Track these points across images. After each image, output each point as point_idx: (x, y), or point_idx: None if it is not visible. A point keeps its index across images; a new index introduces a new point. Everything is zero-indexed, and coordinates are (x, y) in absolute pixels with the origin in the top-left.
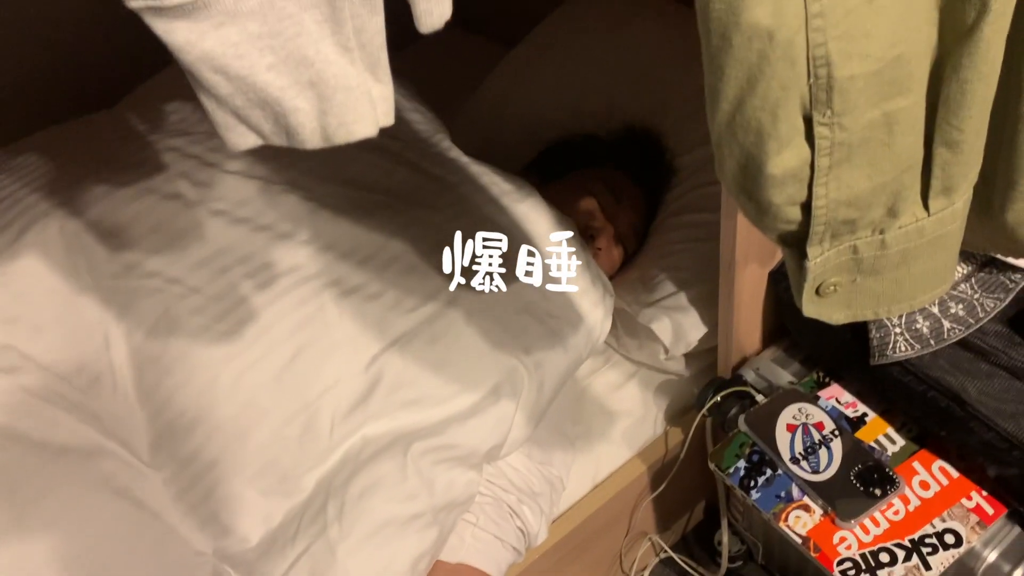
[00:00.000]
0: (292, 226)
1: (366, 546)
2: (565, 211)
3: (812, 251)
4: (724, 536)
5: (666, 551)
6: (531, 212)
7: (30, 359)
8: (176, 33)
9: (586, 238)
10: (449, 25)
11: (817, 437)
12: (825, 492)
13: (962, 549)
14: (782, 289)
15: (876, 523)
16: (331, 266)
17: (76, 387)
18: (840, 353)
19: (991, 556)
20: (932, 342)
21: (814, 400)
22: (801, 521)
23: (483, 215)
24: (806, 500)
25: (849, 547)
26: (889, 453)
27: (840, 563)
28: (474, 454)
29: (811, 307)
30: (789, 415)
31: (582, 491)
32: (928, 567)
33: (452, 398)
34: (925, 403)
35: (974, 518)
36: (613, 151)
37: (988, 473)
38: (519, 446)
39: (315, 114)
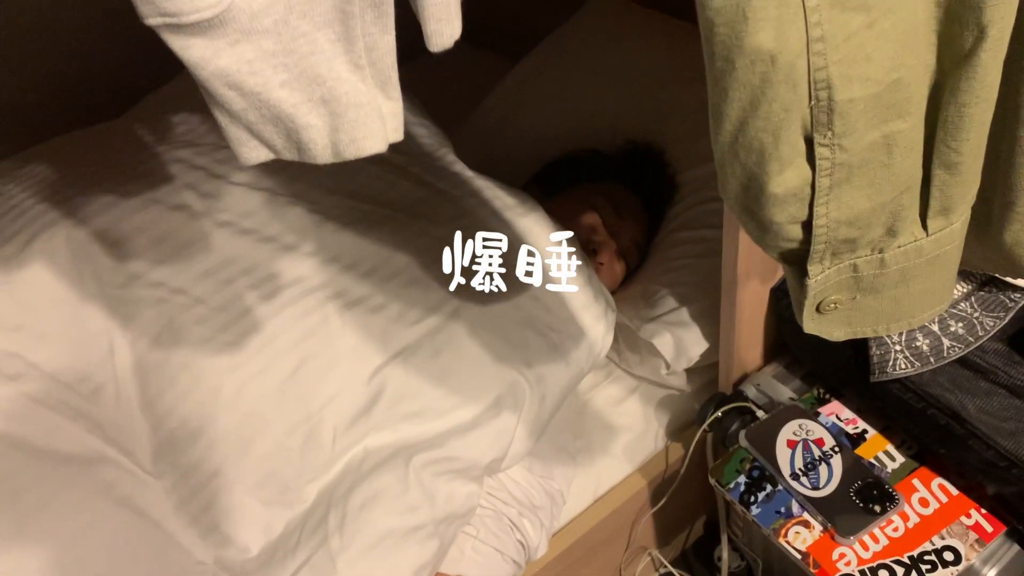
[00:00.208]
0: (297, 238)
1: (367, 557)
2: (567, 226)
3: (813, 269)
4: (724, 552)
5: (666, 566)
6: (534, 226)
7: (35, 367)
8: (192, 50)
9: (588, 253)
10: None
11: (817, 453)
12: (825, 508)
13: (961, 566)
14: (783, 306)
15: (875, 540)
16: (335, 278)
17: (80, 395)
18: (840, 370)
19: (990, 574)
20: (932, 360)
21: (814, 416)
22: (801, 537)
23: (486, 229)
24: (806, 516)
25: (848, 563)
26: (889, 470)
27: None
28: (475, 466)
29: (811, 324)
30: (789, 431)
31: (582, 505)
32: None
33: (454, 410)
34: (925, 420)
35: (973, 535)
36: (616, 166)
37: (987, 491)
38: (520, 459)
39: (327, 130)
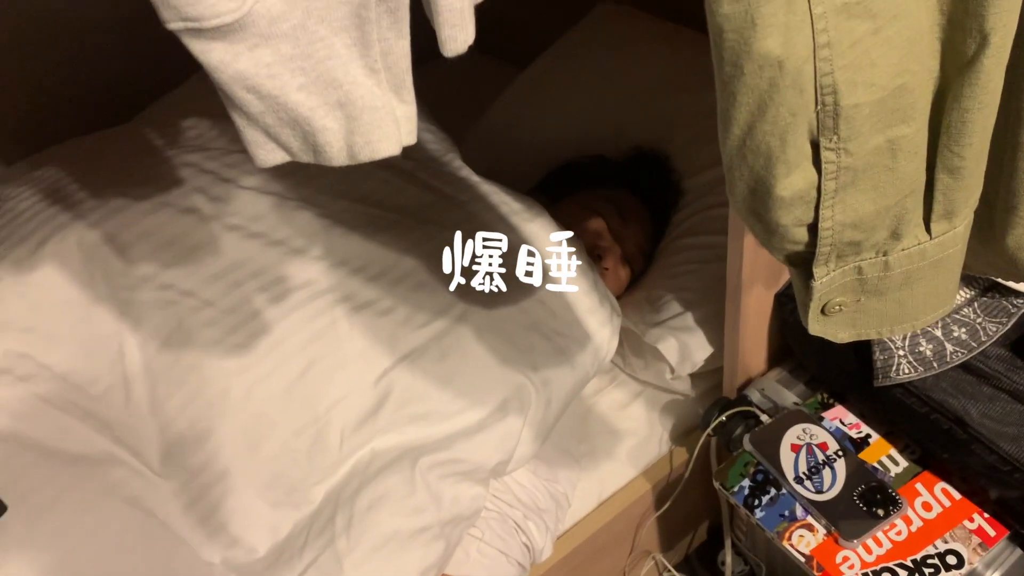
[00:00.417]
0: (305, 241)
1: (373, 558)
2: (573, 231)
3: (818, 271)
4: (728, 556)
5: (669, 570)
6: (540, 231)
7: (46, 368)
8: (212, 53)
9: (594, 258)
10: None
11: (821, 457)
12: (828, 512)
13: (964, 570)
14: (787, 311)
15: (879, 543)
16: (343, 281)
17: (90, 396)
18: (844, 375)
19: None
20: (935, 365)
21: (818, 421)
22: (804, 540)
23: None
24: (810, 519)
25: (852, 567)
26: (892, 474)
27: None
28: (481, 469)
29: (817, 325)
30: (793, 435)
31: (587, 508)
32: None
33: (460, 413)
34: (928, 425)
35: (976, 539)
36: (621, 172)
37: (990, 495)
38: (525, 462)
39: (343, 133)
